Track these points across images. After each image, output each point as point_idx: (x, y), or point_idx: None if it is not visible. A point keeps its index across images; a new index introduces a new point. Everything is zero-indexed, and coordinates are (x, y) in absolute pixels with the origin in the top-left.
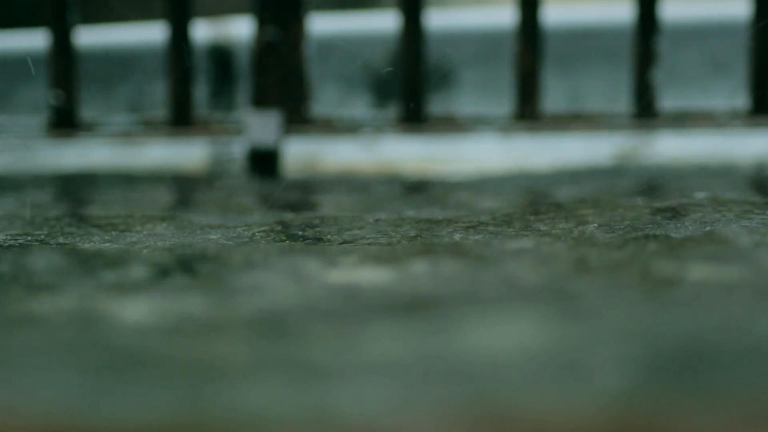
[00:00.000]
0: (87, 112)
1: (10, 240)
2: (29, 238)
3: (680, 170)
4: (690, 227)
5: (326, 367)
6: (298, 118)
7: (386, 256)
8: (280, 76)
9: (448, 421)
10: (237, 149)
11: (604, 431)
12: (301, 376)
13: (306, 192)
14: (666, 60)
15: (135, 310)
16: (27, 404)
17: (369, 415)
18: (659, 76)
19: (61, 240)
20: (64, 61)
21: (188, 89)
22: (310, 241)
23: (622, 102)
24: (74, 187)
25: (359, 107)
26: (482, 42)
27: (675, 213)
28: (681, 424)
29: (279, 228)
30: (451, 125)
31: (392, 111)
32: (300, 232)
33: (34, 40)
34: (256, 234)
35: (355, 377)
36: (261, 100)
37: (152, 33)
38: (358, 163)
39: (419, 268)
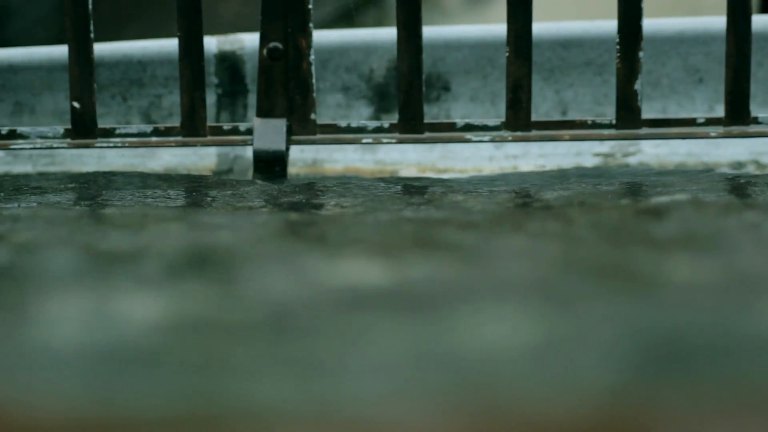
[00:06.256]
0: (105, 120)
1: (32, 238)
2: (50, 236)
3: (662, 174)
4: (672, 227)
5: (328, 360)
6: (302, 125)
7: (386, 254)
8: (285, 86)
9: (445, 412)
10: (245, 155)
11: (596, 423)
12: (305, 367)
13: (310, 195)
14: (649, 70)
15: (150, 305)
16: (42, 399)
17: (368, 404)
18: (642, 85)
19: (79, 238)
20: (83, 73)
21: (200, 99)
22: (314, 239)
23: (608, 110)
24: (93, 190)
25: (360, 115)
26: (477, 53)
27: (657, 213)
28: (670, 417)
29: (284, 227)
30: (447, 132)
31: (392, 119)
32: (304, 232)
33: (56, 53)
34: (263, 233)
35: (359, 369)
36: (268, 109)
37: (166, 46)
38: (359, 167)
39: (417, 264)
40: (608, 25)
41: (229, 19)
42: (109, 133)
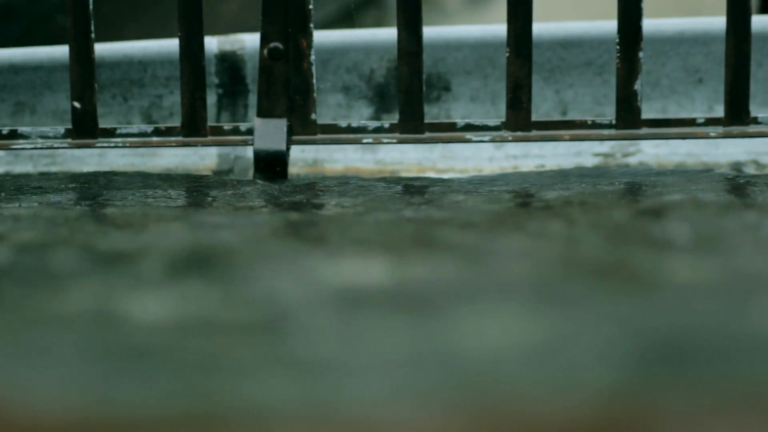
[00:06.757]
0: (105, 120)
1: (33, 239)
2: (51, 236)
3: (662, 174)
4: (671, 227)
5: (328, 360)
6: (303, 125)
7: (387, 254)
8: (286, 86)
9: (445, 412)
10: (246, 155)
11: (594, 420)
12: (305, 367)
13: (310, 195)
14: (649, 70)
15: (150, 304)
16: (42, 398)
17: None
18: (642, 85)
19: (80, 238)
20: (84, 73)
21: (201, 99)
22: (314, 239)
23: (608, 110)
24: (93, 190)
25: (361, 115)
26: (477, 54)
27: (657, 214)
28: (670, 417)
29: (285, 227)
30: (448, 132)
31: (392, 119)
32: (304, 231)
33: (57, 53)
34: (264, 233)
35: (359, 369)
36: (269, 109)
37: (167, 46)
38: (359, 167)
39: (418, 264)
40: (608, 25)
41: (230, 19)
42: (109, 133)
